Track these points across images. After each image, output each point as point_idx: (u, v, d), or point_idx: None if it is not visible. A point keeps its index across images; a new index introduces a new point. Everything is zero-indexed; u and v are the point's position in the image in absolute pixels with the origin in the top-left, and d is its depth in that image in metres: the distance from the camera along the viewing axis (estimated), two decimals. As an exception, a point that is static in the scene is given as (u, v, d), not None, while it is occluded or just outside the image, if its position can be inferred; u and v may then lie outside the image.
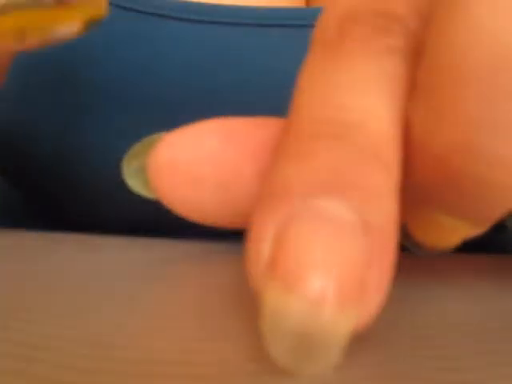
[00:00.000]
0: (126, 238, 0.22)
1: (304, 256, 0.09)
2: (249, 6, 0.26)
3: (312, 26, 0.13)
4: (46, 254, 0.18)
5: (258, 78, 0.25)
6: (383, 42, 0.12)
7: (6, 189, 0.33)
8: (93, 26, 0.17)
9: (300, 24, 0.26)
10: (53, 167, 0.26)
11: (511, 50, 0.10)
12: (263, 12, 0.26)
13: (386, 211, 0.10)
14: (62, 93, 0.25)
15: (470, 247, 0.29)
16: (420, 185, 0.12)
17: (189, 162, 0.13)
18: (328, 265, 0.08)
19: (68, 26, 0.16)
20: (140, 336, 0.11)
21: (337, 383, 0.09)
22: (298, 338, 0.09)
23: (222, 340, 0.11)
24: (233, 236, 0.28)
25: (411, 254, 0.21)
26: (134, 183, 0.14)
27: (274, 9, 0.26)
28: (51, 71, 0.25)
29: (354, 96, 0.11)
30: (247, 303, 0.13)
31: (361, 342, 0.11)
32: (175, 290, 0.14)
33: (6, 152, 0.27)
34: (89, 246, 0.19)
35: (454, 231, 0.12)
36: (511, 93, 0.10)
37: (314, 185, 0.09)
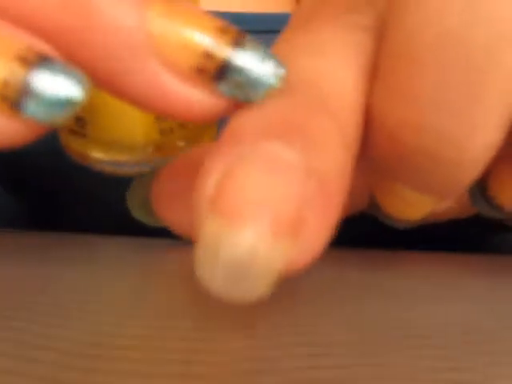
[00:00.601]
0: (125, 237, 0.22)
1: (244, 192, 0.09)
2: (235, 11, 0.26)
3: None
4: (45, 254, 0.18)
5: None
6: (353, 18, 0.12)
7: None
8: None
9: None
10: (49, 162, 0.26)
11: (457, 31, 0.10)
12: (249, 17, 0.26)
13: (332, 161, 0.10)
14: None
15: (468, 247, 0.29)
16: (379, 159, 0.12)
17: (190, 188, 0.14)
18: (266, 201, 0.09)
19: None
20: (140, 336, 0.11)
21: (337, 383, 0.09)
22: (232, 269, 0.09)
23: (222, 340, 0.11)
24: None
25: (411, 253, 0.21)
26: (139, 214, 0.15)
27: (261, 14, 0.26)
28: None
29: (313, 58, 0.12)
30: (247, 303, 0.13)
31: (361, 341, 0.11)
32: (175, 290, 0.14)
33: None
34: (89, 246, 0.19)
35: (417, 204, 0.13)
36: (458, 72, 0.10)
37: (262, 130, 0.10)
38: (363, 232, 0.28)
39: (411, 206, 0.13)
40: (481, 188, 0.14)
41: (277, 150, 0.09)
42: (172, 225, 0.15)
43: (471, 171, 0.12)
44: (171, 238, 0.22)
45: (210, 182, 0.10)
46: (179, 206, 0.15)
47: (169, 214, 0.15)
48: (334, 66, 0.12)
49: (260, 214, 0.09)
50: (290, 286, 0.15)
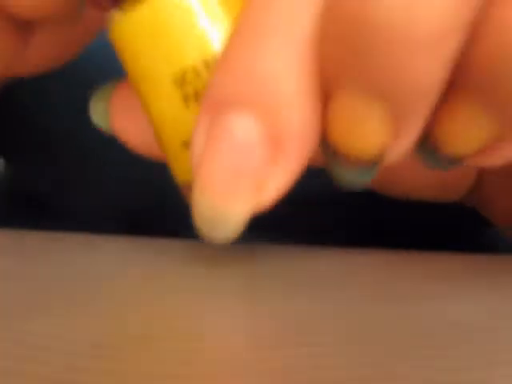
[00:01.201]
0: (125, 237, 0.22)
1: (211, 165, 0.11)
2: None
3: None
4: (46, 253, 0.18)
5: None
6: None
7: None
8: None
9: None
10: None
11: None
12: None
13: (296, 119, 0.11)
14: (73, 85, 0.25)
15: (467, 247, 0.29)
16: (328, 61, 0.12)
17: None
18: (230, 169, 0.11)
19: None
20: (140, 336, 0.11)
21: (337, 383, 0.09)
22: (208, 217, 0.12)
23: (222, 340, 0.11)
24: None
25: (411, 253, 0.21)
26: (98, 120, 0.16)
27: None
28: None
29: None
30: (248, 303, 0.13)
31: (361, 342, 0.11)
32: (175, 290, 0.14)
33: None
34: (89, 246, 0.19)
35: (365, 118, 0.12)
36: None
37: (228, 97, 0.11)
38: (362, 233, 0.28)
39: (360, 126, 0.12)
40: (426, 137, 0.13)
41: (239, 120, 0.11)
42: (122, 135, 0.16)
43: (424, 58, 0.11)
44: (171, 238, 0.22)
45: (194, 150, 0.12)
46: (132, 119, 0.16)
47: (121, 125, 0.16)
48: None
49: (224, 178, 0.11)
50: (290, 286, 0.15)
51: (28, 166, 0.27)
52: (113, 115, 0.16)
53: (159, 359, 0.10)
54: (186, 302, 0.14)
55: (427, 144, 0.13)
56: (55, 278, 0.15)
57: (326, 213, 0.26)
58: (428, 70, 0.11)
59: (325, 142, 0.13)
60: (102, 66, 0.25)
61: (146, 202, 0.26)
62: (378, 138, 0.12)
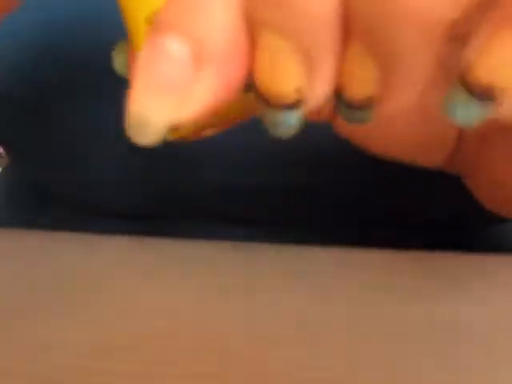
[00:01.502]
0: (125, 237, 0.22)
1: (146, 76, 0.13)
2: None
3: None
4: (46, 253, 0.18)
5: None
6: None
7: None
8: None
9: None
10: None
11: None
12: None
13: (219, 42, 0.13)
14: (78, 73, 0.25)
15: (467, 247, 0.29)
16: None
17: None
18: (155, 78, 0.13)
19: None
20: (140, 336, 0.11)
21: (337, 383, 0.09)
22: (133, 120, 0.13)
23: (222, 340, 0.11)
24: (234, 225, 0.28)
25: (412, 253, 0.21)
26: (120, 69, 0.18)
27: None
28: (66, 50, 0.26)
29: None
30: (247, 303, 0.13)
31: (361, 342, 0.11)
32: (176, 290, 0.14)
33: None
34: (89, 246, 0.19)
35: (279, 61, 0.13)
36: None
37: (165, 22, 0.13)
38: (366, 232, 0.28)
39: (274, 66, 0.14)
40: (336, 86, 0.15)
41: (166, 42, 0.13)
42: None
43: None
44: (171, 238, 0.22)
45: (135, 68, 0.13)
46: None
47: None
48: None
49: (148, 87, 0.13)
50: (290, 286, 0.15)
51: (29, 157, 0.27)
52: (131, 64, 0.17)
53: (159, 359, 0.10)
54: (185, 301, 0.14)
55: (336, 93, 0.15)
56: (55, 277, 0.15)
57: (316, 202, 0.26)
58: (315, 4, 0.13)
59: (253, 84, 0.14)
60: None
61: (146, 199, 0.27)
62: (292, 79, 0.14)
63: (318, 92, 0.14)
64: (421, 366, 0.10)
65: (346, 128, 0.20)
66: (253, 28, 0.14)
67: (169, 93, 0.13)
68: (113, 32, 0.26)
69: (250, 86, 0.15)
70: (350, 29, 0.14)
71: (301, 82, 0.14)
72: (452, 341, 0.11)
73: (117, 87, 0.26)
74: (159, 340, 0.11)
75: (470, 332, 0.12)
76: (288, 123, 0.14)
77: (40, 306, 0.13)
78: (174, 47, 0.13)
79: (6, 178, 0.34)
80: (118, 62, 0.18)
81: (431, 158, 0.19)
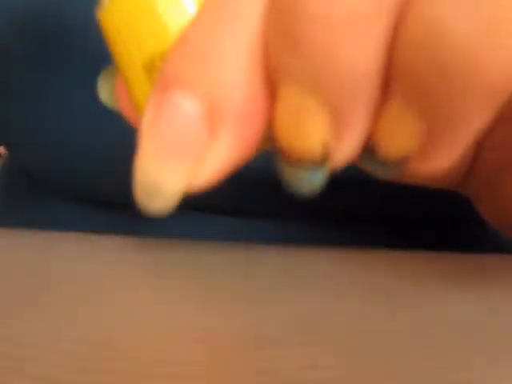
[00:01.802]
0: (126, 237, 0.22)
1: (154, 130, 0.12)
2: None
3: None
4: (46, 253, 0.18)
5: None
6: None
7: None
8: None
9: None
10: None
11: None
12: None
13: (237, 100, 0.12)
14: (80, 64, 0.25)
15: (467, 247, 0.29)
16: (272, 53, 0.12)
17: None
18: (168, 140, 0.12)
19: None
20: (140, 336, 0.11)
21: (336, 383, 0.09)
22: (144, 185, 0.12)
23: (222, 339, 0.11)
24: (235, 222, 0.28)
25: (412, 253, 0.21)
26: (105, 98, 0.17)
27: None
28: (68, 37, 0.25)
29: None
30: (247, 303, 0.13)
31: (361, 341, 0.11)
32: (175, 290, 0.14)
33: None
34: (89, 246, 0.19)
35: (306, 114, 0.12)
36: None
37: (176, 75, 0.12)
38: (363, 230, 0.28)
39: (299, 122, 0.12)
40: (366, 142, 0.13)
41: (179, 99, 0.12)
42: (127, 113, 0.16)
43: (350, 45, 0.11)
44: (171, 238, 0.22)
45: (143, 126, 0.12)
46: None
47: (125, 104, 0.16)
48: None
49: (162, 150, 0.12)
50: (290, 286, 0.15)
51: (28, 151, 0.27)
52: (117, 95, 0.16)
53: (159, 359, 0.10)
54: (185, 301, 0.14)
55: (367, 148, 0.13)
56: (55, 277, 0.15)
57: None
58: (353, 57, 0.11)
59: (273, 139, 0.13)
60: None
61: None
62: (317, 137, 0.12)
63: (346, 150, 0.12)
64: (421, 366, 0.10)
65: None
66: (273, 79, 0.12)
67: (182, 156, 0.12)
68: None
69: (268, 139, 0.13)
70: (390, 82, 0.12)
71: (327, 139, 0.12)
72: (452, 341, 0.11)
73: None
74: (159, 340, 0.11)
75: (470, 332, 0.12)
76: (311, 181, 0.13)
77: (40, 305, 0.13)
78: (186, 105, 0.12)
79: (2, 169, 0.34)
80: (103, 91, 0.16)
81: (442, 181, 0.19)
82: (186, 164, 0.12)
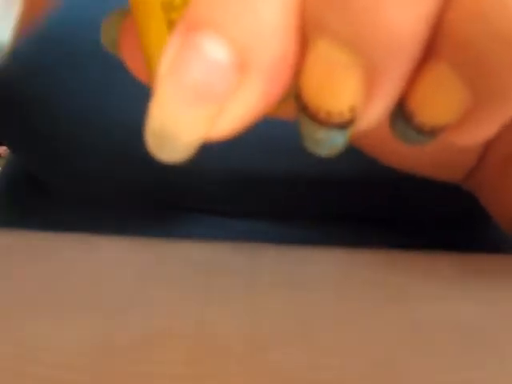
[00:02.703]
0: (126, 237, 0.22)
1: (176, 72, 0.11)
2: None
3: None
4: (46, 253, 0.18)
5: None
6: None
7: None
8: None
9: None
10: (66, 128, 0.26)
11: None
12: None
13: (267, 51, 0.11)
14: (83, 65, 0.25)
15: (467, 247, 0.29)
16: (310, 4, 0.11)
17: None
18: (192, 85, 0.11)
19: None
20: (140, 336, 0.11)
21: (336, 383, 0.09)
22: (157, 135, 0.11)
23: (222, 339, 0.11)
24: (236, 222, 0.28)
25: (413, 253, 0.21)
26: (108, 42, 0.16)
27: None
28: (75, 42, 0.25)
29: None
30: (247, 303, 0.13)
31: (361, 341, 0.11)
32: (175, 290, 0.14)
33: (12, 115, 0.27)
34: (89, 246, 0.19)
35: (338, 69, 0.11)
36: None
37: (203, 19, 0.11)
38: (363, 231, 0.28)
39: (331, 78, 0.11)
40: (400, 104, 0.13)
41: (205, 44, 0.11)
42: (128, 61, 0.16)
43: (398, 10, 0.10)
44: (171, 238, 0.22)
45: (162, 65, 0.11)
46: (138, 47, 0.16)
47: (128, 51, 0.15)
48: None
49: (183, 95, 0.11)
50: (290, 285, 0.15)
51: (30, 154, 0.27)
52: (121, 41, 0.15)
53: (159, 359, 0.10)
54: (185, 301, 0.14)
55: (402, 112, 0.13)
56: (55, 277, 0.15)
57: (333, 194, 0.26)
58: (403, 23, 0.11)
59: (297, 95, 0.12)
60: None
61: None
62: (349, 96, 0.11)
63: (374, 113, 0.12)
64: (421, 366, 0.10)
65: (364, 141, 0.17)
66: (307, 31, 0.11)
67: (205, 103, 0.11)
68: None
69: (290, 95, 0.13)
70: (436, 45, 0.11)
71: (358, 100, 0.12)
72: (452, 341, 0.11)
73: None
74: (159, 340, 0.11)
75: (470, 332, 0.12)
76: (333, 142, 0.12)
77: (40, 305, 0.13)
78: (214, 48, 0.11)
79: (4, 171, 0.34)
80: (107, 36, 0.16)
81: (449, 174, 0.18)
82: (209, 111, 0.11)
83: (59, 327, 0.11)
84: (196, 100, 0.11)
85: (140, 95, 0.25)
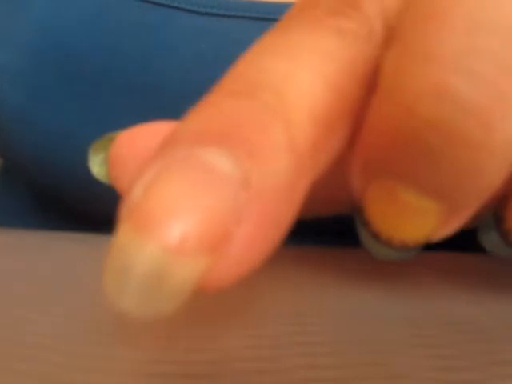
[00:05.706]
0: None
1: (166, 201, 0.08)
2: (257, 0, 0.26)
3: None
4: (45, 253, 0.18)
5: None
6: (333, 22, 0.11)
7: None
8: None
9: None
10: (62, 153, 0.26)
11: None
12: (271, 6, 0.26)
13: (275, 172, 0.09)
14: (72, 81, 0.25)
15: (467, 247, 0.29)
16: (375, 150, 0.11)
17: (141, 155, 0.13)
18: (189, 211, 0.08)
19: None
20: (140, 336, 0.11)
21: (337, 383, 0.09)
22: (144, 282, 0.08)
23: (221, 339, 0.11)
24: None
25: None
26: (98, 172, 0.15)
27: (281, 3, 0.26)
28: (62, 58, 0.25)
29: (279, 61, 0.11)
30: (247, 303, 0.13)
31: (361, 341, 0.11)
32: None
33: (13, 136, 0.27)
34: (89, 246, 0.19)
35: (416, 216, 0.11)
36: (491, 28, 0.09)
37: (202, 134, 0.09)
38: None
39: (409, 219, 0.11)
40: (496, 218, 0.12)
41: (212, 157, 0.09)
42: (119, 186, 0.14)
43: (495, 164, 0.10)
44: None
45: (136, 189, 0.09)
46: (131, 169, 0.14)
47: (119, 176, 0.14)
48: (299, 70, 0.10)
49: (179, 226, 0.08)
50: (290, 285, 0.15)
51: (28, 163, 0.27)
52: (112, 166, 0.14)
53: (159, 358, 0.10)
54: (185, 301, 0.14)
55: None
56: (55, 277, 0.15)
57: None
58: (495, 174, 0.10)
59: (361, 220, 0.12)
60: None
61: None
62: (427, 230, 0.11)
63: (448, 232, 0.12)
64: (420, 366, 0.10)
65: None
66: (368, 170, 0.11)
67: (213, 222, 0.08)
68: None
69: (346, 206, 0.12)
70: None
71: (434, 230, 0.11)
72: (452, 341, 0.11)
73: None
74: (159, 340, 0.11)
75: (470, 332, 0.12)
76: (398, 258, 0.12)
77: (40, 305, 0.13)
78: (224, 166, 0.09)
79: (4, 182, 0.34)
80: (94, 164, 0.14)
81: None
82: (213, 238, 0.09)
83: (59, 327, 0.11)
84: (201, 220, 0.09)
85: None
